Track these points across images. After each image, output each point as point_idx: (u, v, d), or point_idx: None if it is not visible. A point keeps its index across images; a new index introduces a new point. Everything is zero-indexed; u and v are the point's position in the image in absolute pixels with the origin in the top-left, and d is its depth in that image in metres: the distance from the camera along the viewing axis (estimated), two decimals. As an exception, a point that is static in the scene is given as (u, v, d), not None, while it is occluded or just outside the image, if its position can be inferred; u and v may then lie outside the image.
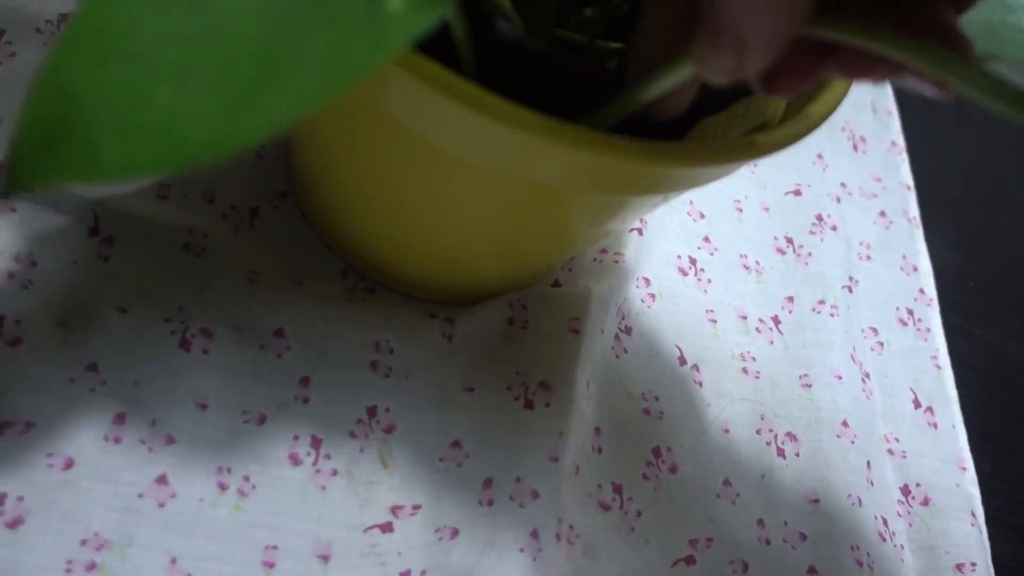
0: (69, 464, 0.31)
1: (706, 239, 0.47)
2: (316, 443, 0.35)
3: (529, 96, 0.25)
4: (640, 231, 0.44)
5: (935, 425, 0.45)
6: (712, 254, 0.47)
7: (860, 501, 0.41)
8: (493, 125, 0.23)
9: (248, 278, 0.36)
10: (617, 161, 0.24)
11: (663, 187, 0.28)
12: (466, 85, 0.23)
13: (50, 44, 0.39)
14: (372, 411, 0.36)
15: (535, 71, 0.28)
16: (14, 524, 0.30)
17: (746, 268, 0.47)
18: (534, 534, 0.34)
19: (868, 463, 0.42)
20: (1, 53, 0.38)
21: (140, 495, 0.32)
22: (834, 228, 0.50)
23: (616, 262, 0.42)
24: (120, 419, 0.33)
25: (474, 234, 0.33)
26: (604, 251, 0.43)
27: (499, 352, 0.38)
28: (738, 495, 0.40)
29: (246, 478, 0.33)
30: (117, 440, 0.32)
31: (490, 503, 0.35)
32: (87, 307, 0.34)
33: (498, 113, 0.23)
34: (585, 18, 0.36)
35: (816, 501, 0.40)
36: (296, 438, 0.35)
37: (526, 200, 0.30)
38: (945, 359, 0.48)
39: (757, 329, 0.45)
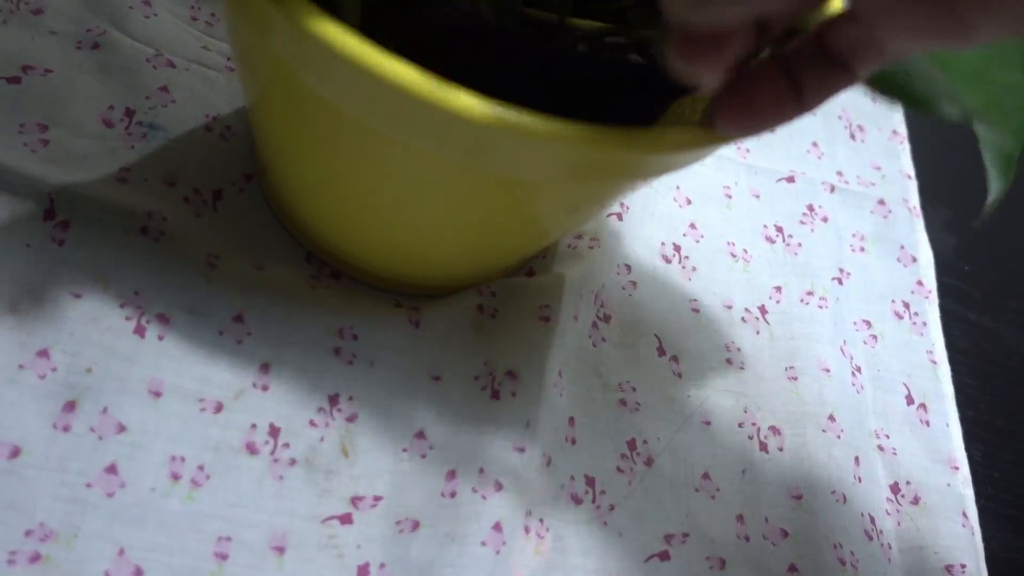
0: (15, 452, 0.31)
1: (692, 226, 0.46)
2: (274, 432, 0.34)
3: (491, 80, 0.23)
4: (620, 216, 0.43)
5: (928, 423, 0.44)
6: (698, 241, 0.45)
7: (845, 498, 0.39)
8: (438, 113, 0.22)
9: (208, 263, 0.35)
10: (587, 150, 0.23)
11: (633, 174, 0.27)
12: (373, 51, 0.22)
13: (9, 22, 0.38)
14: (334, 399, 0.35)
15: (497, 54, 0.26)
16: (-46, 512, 0.29)
17: (733, 256, 0.46)
18: (497, 527, 0.33)
19: (856, 459, 0.41)
20: (-39, 33, 0.37)
21: (88, 484, 0.31)
22: (825, 219, 0.48)
23: (591, 248, 0.41)
24: (70, 406, 0.32)
25: (436, 228, 0.32)
26: (579, 236, 0.41)
27: (467, 340, 0.37)
28: (718, 489, 0.38)
29: (200, 467, 0.32)
30: (66, 428, 0.31)
31: (452, 495, 0.34)
32: (39, 292, 0.33)
33: (439, 100, 0.22)
34: (553, -6, 0.35)
35: (799, 497, 0.39)
36: (254, 426, 0.34)
37: (490, 191, 0.29)
38: (942, 354, 0.47)
39: (743, 319, 0.44)
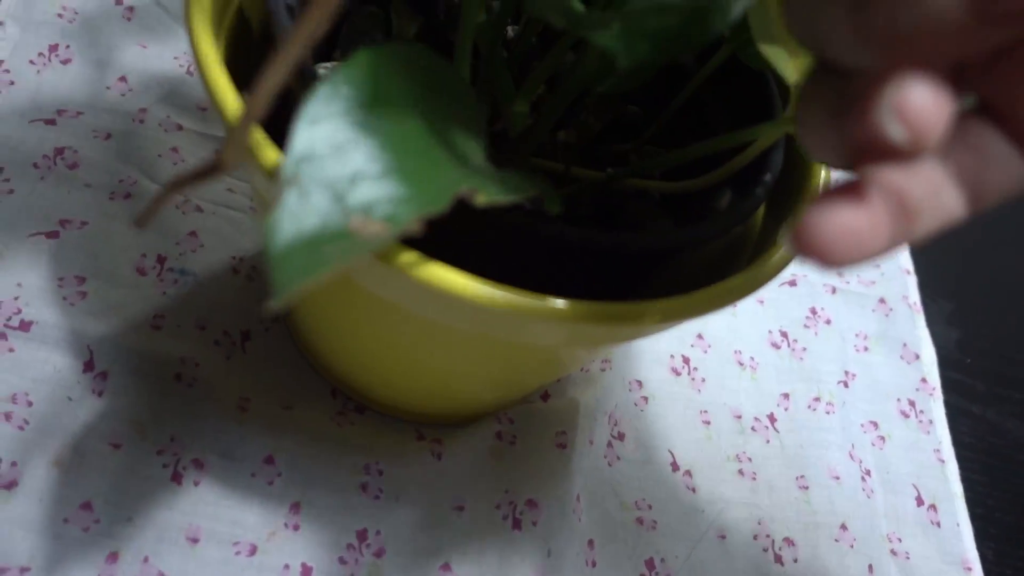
0: (62, 605, 0.32)
1: (699, 336, 0.47)
2: (307, 571, 0.35)
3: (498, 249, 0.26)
4: (630, 335, 0.45)
5: (939, 523, 0.45)
6: (706, 352, 0.47)
7: (860, 608, 0.40)
8: (473, 304, 0.24)
9: (239, 406, 0.37)
10: (596, 328, 0.25)
11: (638, 336, 0.28)
12: (436, 266, 0.23)
13: (47, 179, 0.40)
14: (362, 534, 0.36)
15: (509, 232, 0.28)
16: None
17: (740, 365, 0.47)
18: (523, 661, 0.34)
19: (870, 566, 0.42)
20: (1, 190, 0.40)
21: (131, 634, 0.32)
22: (828, 322, 0.50)
23: (603, 370, 0.43)
24: (113, 558, 0.33)
25: (457, 374, 0.34)
26: (605, 362, 0.43)
27: (488, 469, 0.39)
28: (735, 605, 0.39)
29: (237, 610, 0.34)
30: (109, 578, 0.33)
31: (479, 628, 0.35)
32: (81, 444, 0.35)
33: (480, 296, 0.24)
34: (559, 142, 0.37)
35: (815, 609, 0.40)
36: (287, 567, 0.35)
37: (512, 350, 0.31)
38: (949, 451, 0.48)
39: (753, 428, 0.45)
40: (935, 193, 0.18)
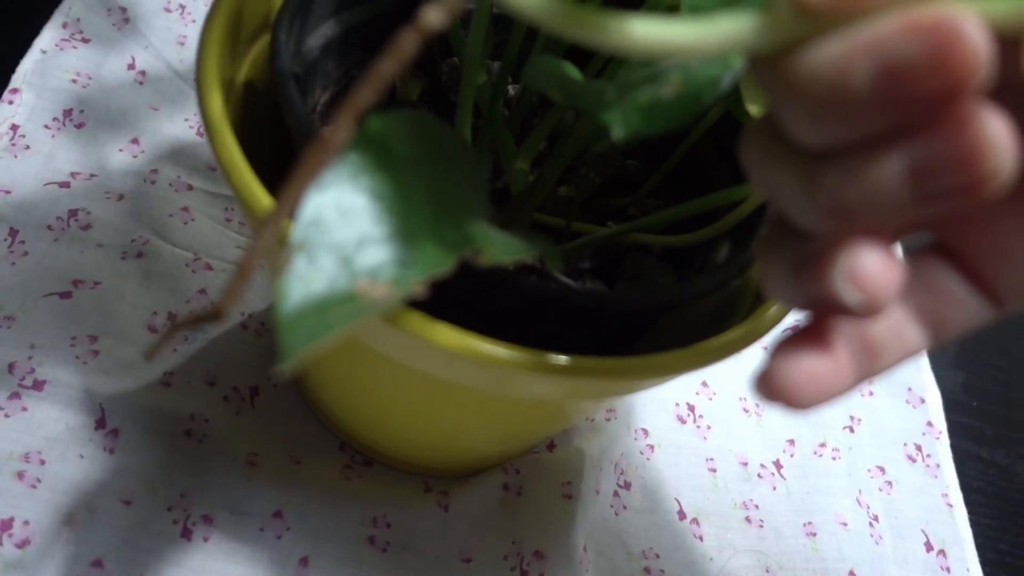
0: (73, 664, 0.32)
1: (704, 384, 0.48)
2: (315, 626, 0.35)
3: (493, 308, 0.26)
4: (635, 384, 0.45)
5: (948, 569, 0.45)
6: (711, 399, 0.47)
7: (872, 656, 0.40)
8: (478, 362, 0.24)
9: (248, 461, 0.38)
10: (596, 383, 0.26)
11: (639, 389, 0.29)
12: (442, 327, 0.24)
13: (60, 240, 0.41)
14: (371, 588, 0.37)
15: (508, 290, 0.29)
16: None
17: (746, 412, 0.47)
18: None
19: (879, 613, 0.42)
20: (15, 253, 0.40)
21: None
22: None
23: (608, 419, 0.43)
24: (123, 614, 0.33)
25: (464, 429, 0.34)
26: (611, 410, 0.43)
27: (495, 520, 0.39)
28: (746, 655, 0.39)
29: (246, 667, 0.34)
30: (120, 636, 0.33)
31: None
32: (93, 502, 0.35)
33: (486, 355, 0.24)
34: (560, 197, 0.38)
35: (826, 658, 0.40)
36: (296, 622, 0.35)
37: (516, 404, 0.32)
38: (957, 495, 0.48)
39: (759, 475, 0.45)
40: (897, 333, 0.19)
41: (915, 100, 0.13)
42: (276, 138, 0.32)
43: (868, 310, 0.16)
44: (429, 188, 0.24)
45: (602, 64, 0.32)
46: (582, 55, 0.34)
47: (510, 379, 0.26)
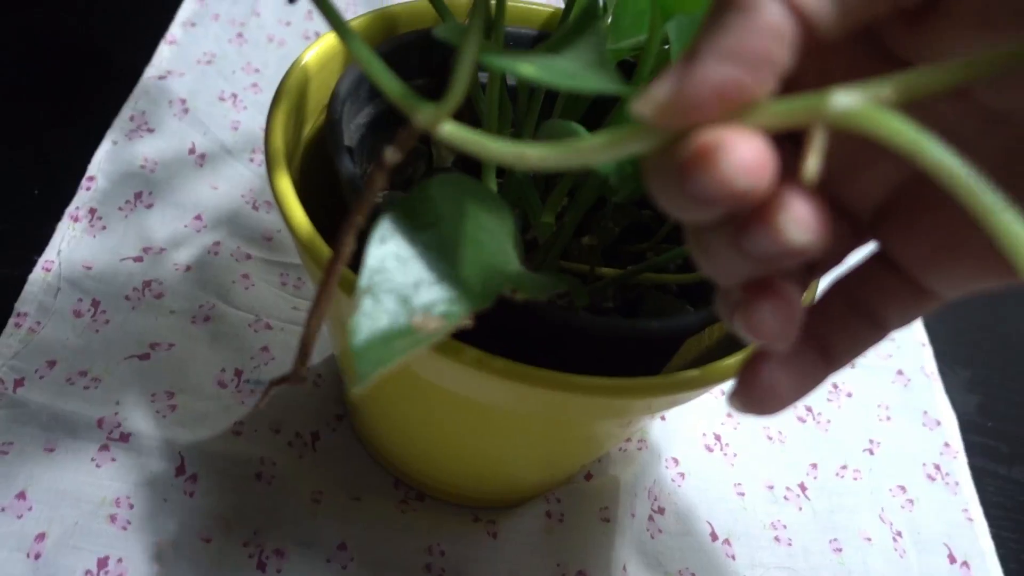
0: None
1: (728, 415, 0.51)
2: (380, 647, 0.39)
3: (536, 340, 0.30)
4: (663, 416, 0.49)
5: (971, 578, 0.47)
6: (736, 428, 0.50)
7: (901, 662, 0.42)
8: (528, 390, 0.29)
9: (313, 499, 0.41)
10: (626, 400, 0.30)
11: (664, 407, 0.33)
12: (492, 358, 0.28)
13: (137, 308, 0.46)
14: (429, 611, 0.40)
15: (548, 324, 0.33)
16: None
17: (769, 439, 0.51)
18: None
19: (907, 622, 0.44)
20: (98, 321, 0.45)
21: None
22: (849, 395, 0.53)
23: (639, 449, 0.46)
24: (208, 640, 0.37)
25: (508, 458, 0.38)
26: (628, 440, 0.47)
27: (540, 544, 0.42)
28: (781, 665, 0.42)
29: None
30: (206, 659, 0.37)
31: None
32: (177, 540, 0.39)
33: (534, 379, 0.28)
34: (584, 246, 0.42)
35: (858, 665, 0.42)
36: (362, 643, 0.39)
37: (555, 429, 0.35)
38: (977, 510, 0.50)
39: (785, 497, 0.48)
40: (849, 333, 0.23)
41: (715, 203, 0.17)
42: (332, 202, 0.36)
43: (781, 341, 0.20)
44: (471, 238, 0.28)
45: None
46: (596, 119, 0.38)
47: (546, 401, 0.30)
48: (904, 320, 0.23)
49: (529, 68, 0.21)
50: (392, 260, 0.25)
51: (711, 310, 0.34)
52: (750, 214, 0.18)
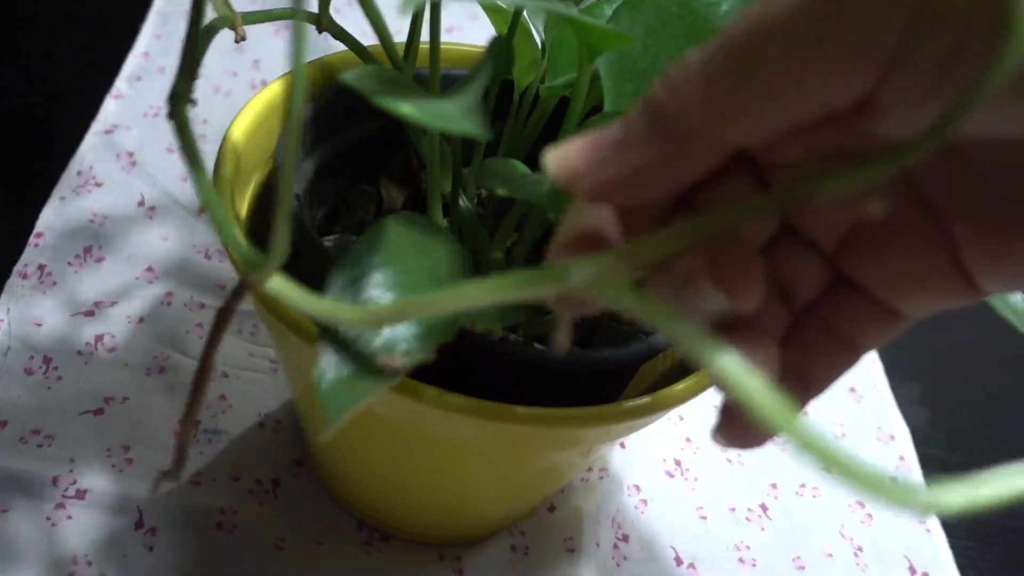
0: None
1: (687, 439, 0.52)
2: None
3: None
4: (623, 444, 0.49)
5: (932, 589, 0.48)
6: (695, 452, 0.51)
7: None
8: (485, 424, 0.29)
9: (275, 545, 0.41)
10: (584, 430, 0.30)
11: (619, 434, 0.33)
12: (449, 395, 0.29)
13: (90, 363, 0.46)
14: (398, 654, 0.40)
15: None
16: None
17: (728, 461, 0.51)
18: None
19: (872, 635, 0.44)
20: (50, 378, 0.45)
21: None
22: (805, 414, 0.54)
23: (601, 478, 0.47)
24: None
25: (471, 492, 0.38)
26: (590, 470, 0.47)
27: (506, 579, 0.42)
28: None
29: None
30: None
31: None
32: (138, 596, 0.38)
33: (491, 414, 0.29)
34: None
35: None
36: None
37: (516, 461, 0.36)
38: (934, 521, 0.51)
39: (747, 518, 0.49)
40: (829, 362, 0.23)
41: None
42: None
43: None
44: (428, 274, 0.28)
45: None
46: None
47: (510, 434, 0.30)
48: (879, 341, 0.23)
49: (408, 108, 0.22)
50: (350, 304, 0.26)
51: (660, 338, 0.35)
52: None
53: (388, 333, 0.25)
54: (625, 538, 0.46)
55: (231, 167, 0.35)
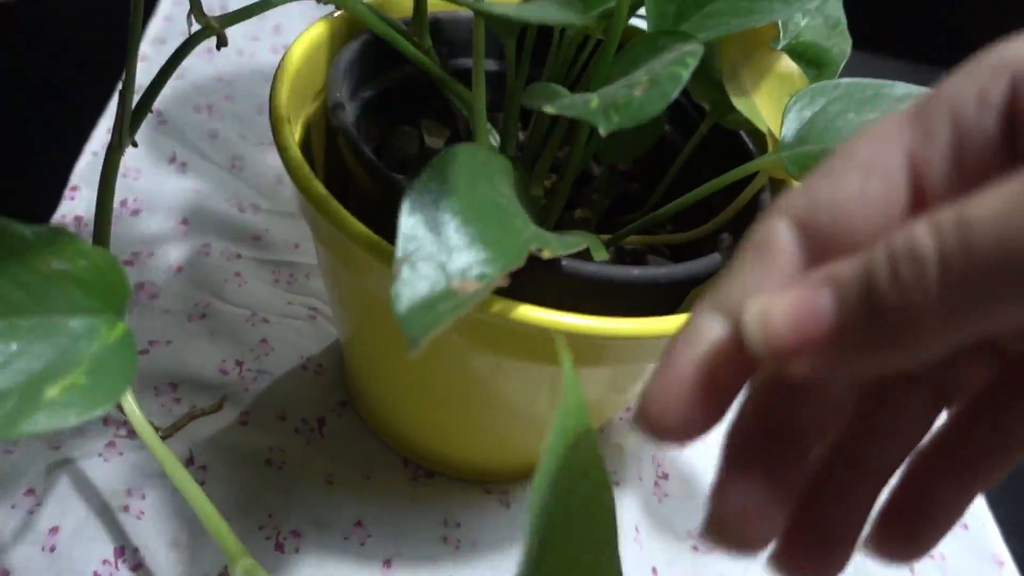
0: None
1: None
2: (405, 619, 0.39)
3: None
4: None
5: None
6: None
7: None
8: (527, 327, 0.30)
9: (325, 480, 0.42)
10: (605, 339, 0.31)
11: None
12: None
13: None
14: (450, 582, 0.40)
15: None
16: None
17: (760, 405, 0.52)
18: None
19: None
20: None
21: None
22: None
23: (642, 417, 0.48)
24: (232, 621, 0.37)
25: (513, 419, 0.39)
26: (628, 409, 0.48)
27: (553, 513, 0.43)
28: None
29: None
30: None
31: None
32: (192, 527, 0.39)
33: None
34: (577, 219, 0.43)
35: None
36: (387, 617, 0.39)
37: (555, 386, 0.36)
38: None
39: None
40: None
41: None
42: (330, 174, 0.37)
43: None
44: (491, 201, 0.29)
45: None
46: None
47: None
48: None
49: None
50: (423, 229, 0.26)
51: (714, 258, 0.35)
52: None
53: (462, 259, 0.26)
54: (665, 476, 0.47)
55: (285, 102, 0.36)
